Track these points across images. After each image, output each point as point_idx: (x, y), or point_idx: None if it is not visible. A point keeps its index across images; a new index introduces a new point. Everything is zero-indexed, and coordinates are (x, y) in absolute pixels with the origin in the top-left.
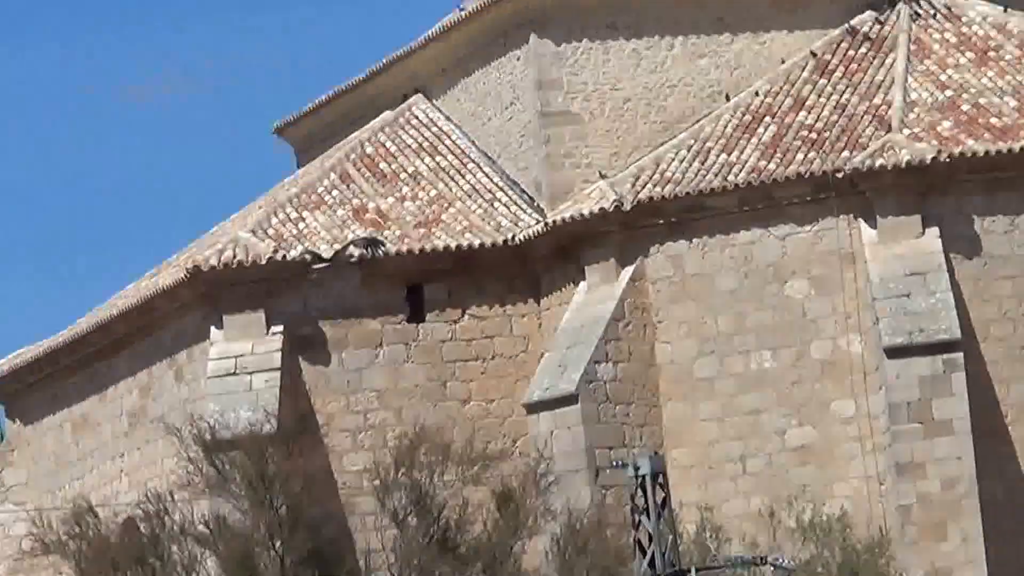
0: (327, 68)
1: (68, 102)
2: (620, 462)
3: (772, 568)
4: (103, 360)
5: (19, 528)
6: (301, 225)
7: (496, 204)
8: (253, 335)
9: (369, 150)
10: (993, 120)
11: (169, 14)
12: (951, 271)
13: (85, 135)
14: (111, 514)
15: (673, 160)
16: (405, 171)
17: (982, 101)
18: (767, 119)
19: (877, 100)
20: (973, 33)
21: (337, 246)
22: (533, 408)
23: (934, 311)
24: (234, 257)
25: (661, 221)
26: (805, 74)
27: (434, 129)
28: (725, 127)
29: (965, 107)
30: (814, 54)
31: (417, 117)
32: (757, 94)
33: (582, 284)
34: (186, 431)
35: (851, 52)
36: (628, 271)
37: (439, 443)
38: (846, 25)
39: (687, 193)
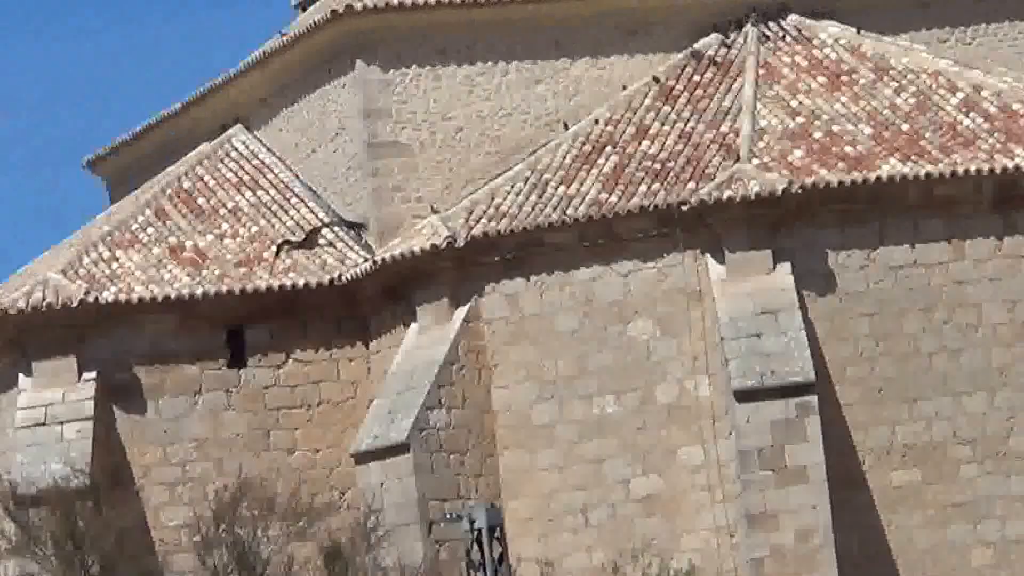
0: (142, 98)
1: None
2: (454, 514)
3: None
4: None
5: None
6: (115, 265)
7: (321, 241)
8: (64, 382)
9: (186, 184)
10: (847, 148)
11: None
12: (804, 309)
13: None
14: None
15: (509, 193)
16: (224, 207)
17: (835, 128)
18: (608, 149)
19: (724, 128)
20: (825, 56)
21: (154, 287)
22: (362, 458)
23: (786, 352)
24: (43, 299)
25: (496, 258)
26: (648, 101)
27: (255, 162)
28: (563, 158)
29: (818, 135)
30: (657, 80)
31: (237, 149)
32: (597, 122)
33: (413, 326)
34: None
35: (696, 77)
36: (462, 312)
37: (263, 496)
38: (690, 48)
39: (524, 228)
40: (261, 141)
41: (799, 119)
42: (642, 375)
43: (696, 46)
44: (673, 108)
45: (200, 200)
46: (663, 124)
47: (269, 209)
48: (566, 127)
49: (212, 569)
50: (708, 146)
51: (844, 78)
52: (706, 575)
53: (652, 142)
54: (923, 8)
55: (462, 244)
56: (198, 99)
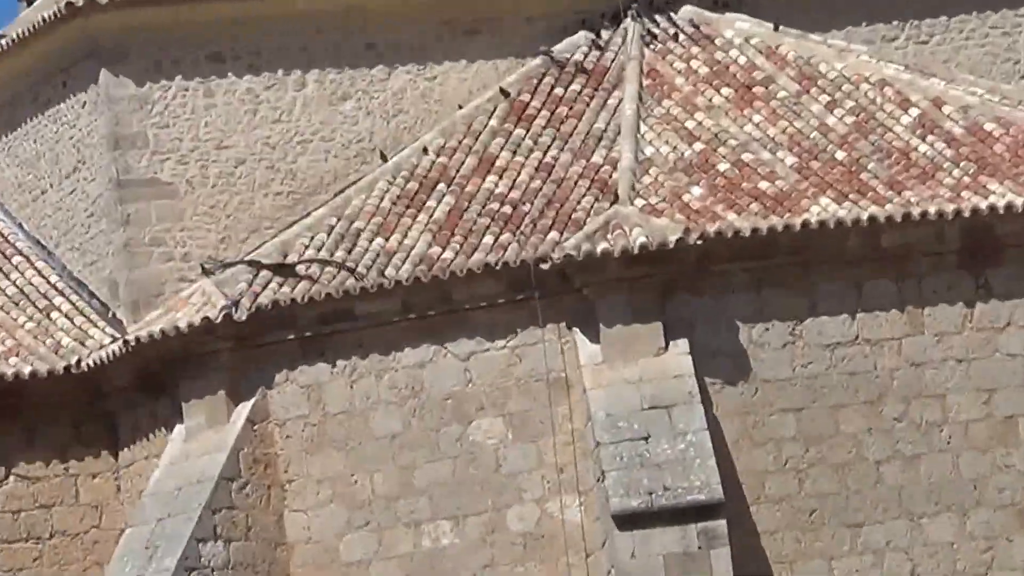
0: None
1: None
2: None
3: None
4: None
5: None
6: None
7: (54, 315)
8: None
9: None
10: (764, 184)
11: None
12: (708, 403)
13: None
14: None
15: (307, 248)
16: None
17: (747, 157)
18: (440, 187)
19: (597, 158)
20: (732, 61)
21: None
22: None
23: (684, 461)
24: None
25: (292, 336)
26: (494, 122)
27: None
28: (381, 199)
29: (723, 166)
30: (506, 93)
31: None
32: (426, 151)
33: (178, 428)
34: None
35: (559, 90)
36: (244, 409)
37: None
38: (550, 51)
39: (328, 295)
40: None
41: (698, 145)
42: (489, 494)
43: (558, 48)
44: (528, 132)
45: None
46: (515, 153)
47: None
48: (384, 158)
49: None
50: (576, 182)
51: (758, 90)
52: None
53: (500, 177)
54: None
55: (244, 317)
56: None
